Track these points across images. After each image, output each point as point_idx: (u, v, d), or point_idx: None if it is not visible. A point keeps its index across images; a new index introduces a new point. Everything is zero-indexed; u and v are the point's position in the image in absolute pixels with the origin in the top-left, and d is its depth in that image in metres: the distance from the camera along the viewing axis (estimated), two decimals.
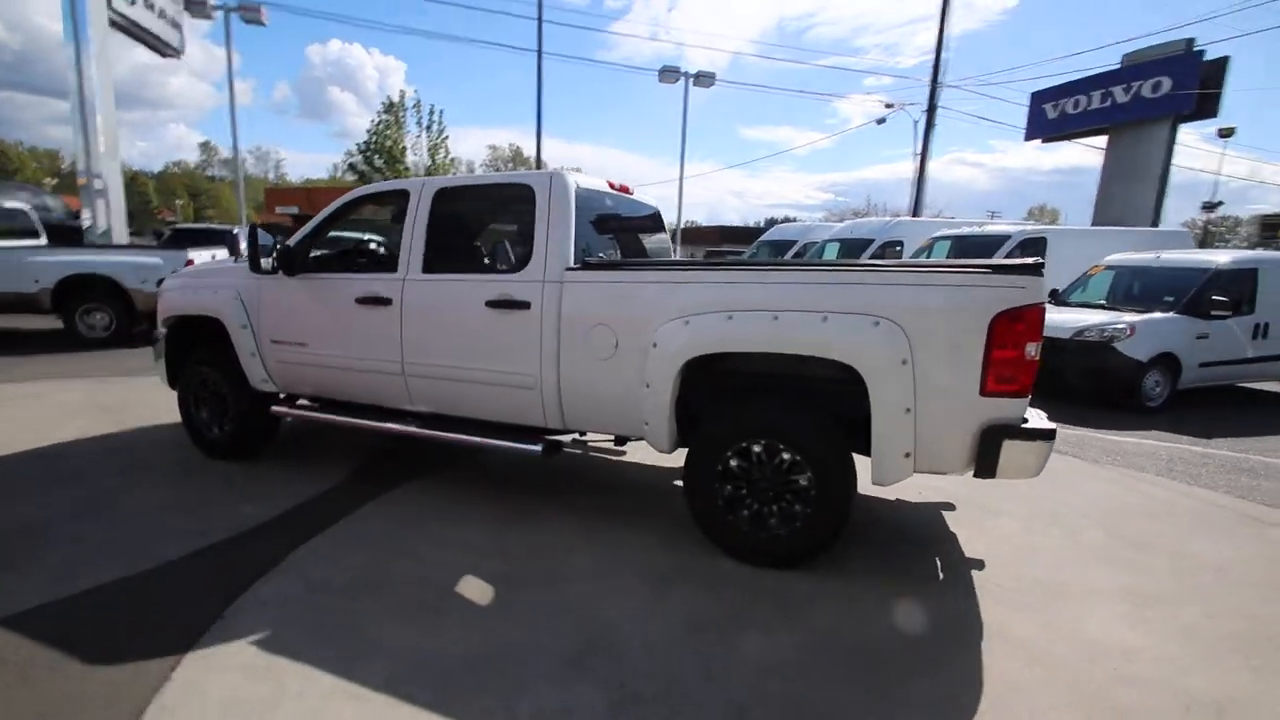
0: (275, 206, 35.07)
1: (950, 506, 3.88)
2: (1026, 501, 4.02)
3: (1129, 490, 4.34)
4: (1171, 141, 19.21)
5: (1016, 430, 2.60)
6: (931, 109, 23.22)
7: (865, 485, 2.94)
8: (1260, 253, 7.99)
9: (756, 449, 2.99)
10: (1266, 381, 7.65)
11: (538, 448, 3.42)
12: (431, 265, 3.63)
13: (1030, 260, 2.61)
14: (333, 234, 4.57)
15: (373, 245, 4.59)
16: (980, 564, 3.16)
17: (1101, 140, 21.70)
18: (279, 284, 4.04)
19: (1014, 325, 2.53)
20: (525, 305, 3.31)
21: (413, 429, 3.75)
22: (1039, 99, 23.09)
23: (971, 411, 2.62)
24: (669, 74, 18.84)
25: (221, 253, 10.21)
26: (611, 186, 3.89)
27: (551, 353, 3.29)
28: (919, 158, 22.26)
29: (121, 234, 12.62)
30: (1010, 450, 2.60)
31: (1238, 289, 6.82)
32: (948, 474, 2.77)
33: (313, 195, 37.66)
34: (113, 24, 13.11)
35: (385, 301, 3.68)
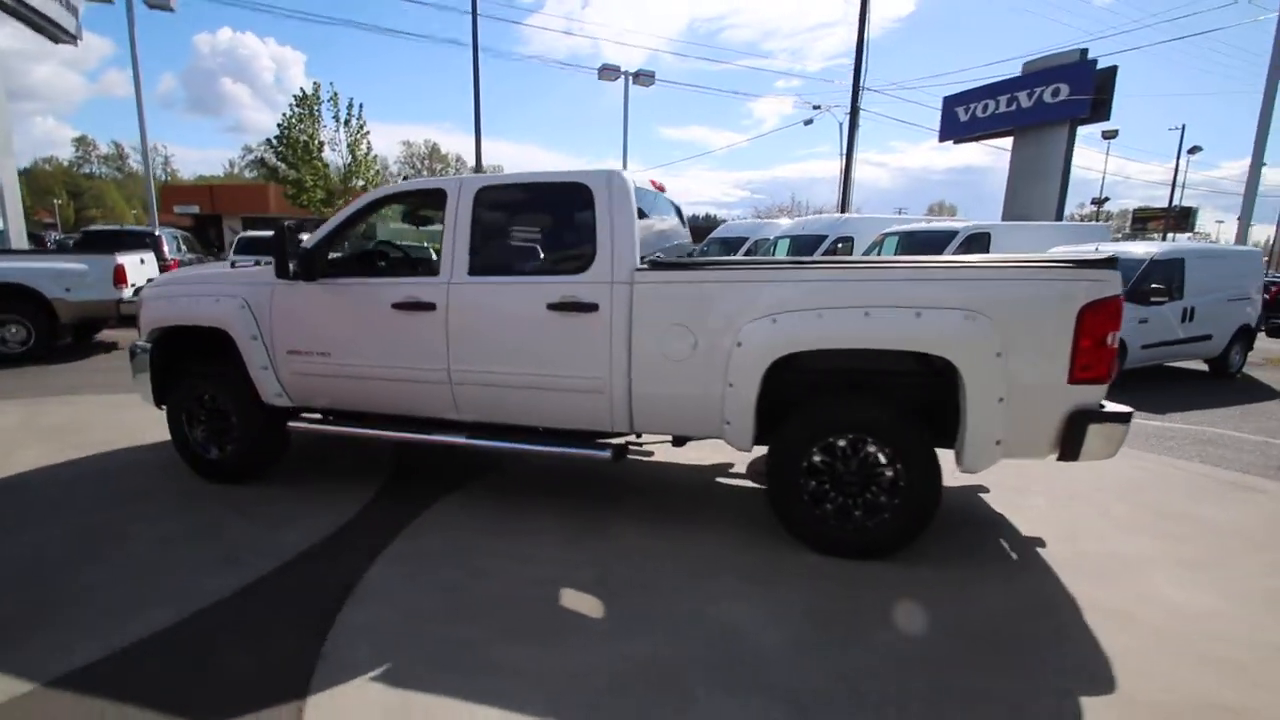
0: (173, 206, 32.28)
1: (985, 489, 4.08)
2: (1043, 481, 4.28)
3: (1127, 464, 4.72)
4: (1071, 142, 20.98)
5: (1100, 415, 2.76)
6: (854, 111, 24.37)
7: None
8: (1186, 244, 8.89)
9: (841, 443, 3.03)
10: (1190, 360, 8.52)
11: (607, 453, 3.33)
12: (478, 268, 3.44)
13: (1106, 255, 2.78)
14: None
15: (389, 249, 4.28)
16: (1041, 542, 3.34)
17: (1007, 141, 23.40)
18: (295, 291, 3.71)
19: (1098, 316, 2.69)
20: (592, 307, 3.21)
21: (462, 440, 3.56)
22: (951, 103, 24.59)
23: (1059, 399, 2.77)
24: (609, 72, 18.76)
25: (150, 256, 9.28)
26: (654, 185, 3.84)
27: (622, 355, 3.21)
28: (845, 157, 23.33)
29: (21, 237, 11.23)
30: (1095, 434, 2.76)
31: (1170, 277, 7.56)
32: (1032, 459, 2.91)
33: (216, 193, 35.04)
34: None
35: (428, 307, 3.46)
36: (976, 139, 24.56)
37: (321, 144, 28.16)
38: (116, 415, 5.59)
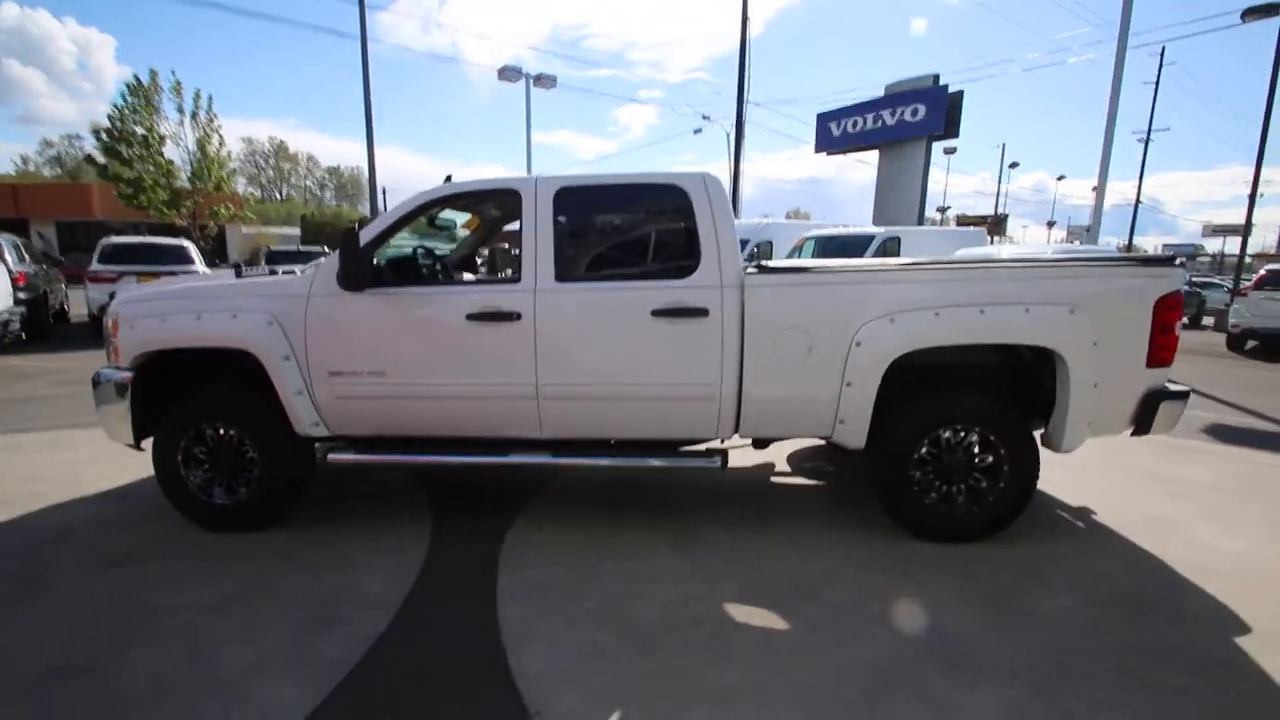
0: None
1: None
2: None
3: None
4: (928, 156, 23.52)
5: (1169, 394, 3.14)
6: (740, 123, 25.73)
7: None
8: (1069, 246, 10.26)
9: (947, 435, 3.19)
10: None
11: (716, 462, 3.25)
12: (567, 274, 3.22)
13: (1168, 254, 3.17)
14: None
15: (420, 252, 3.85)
16: (1090, 511, 3.73)
17: (873, 155, 25.79)
18: (341, 303, 3.25)
19: (1168, 306, 3.06)
20: (702, 312, 3.12)
21: (547, 458, 3.31)
22: (824, 119, 26.63)
23: (1139, 381, 3.11)
24: (510, 73, 18.21)
25: None
26: None
27: (733, 360, 3.15)
28: (734, 166, 24.63)
29: None
30: (1165, 410, 3.13)
31: None
32: (1113, 435, 3.25)
33: (20, 194, 29.54)
34: None
35: (511, 317, 3.17)
36: (847, 152, 26.78)
37: (163, 138, 24.81)
38: (26, 460, 4.56)
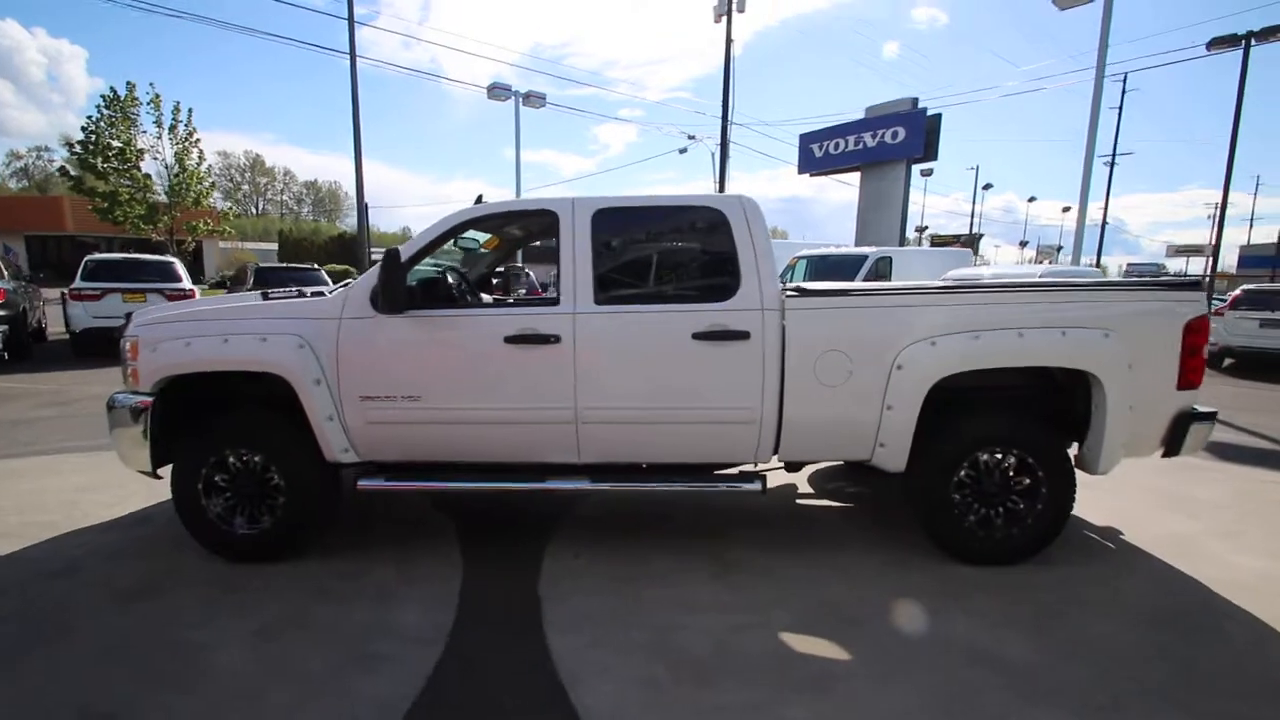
0: None
1: None
2: None
3: None
4: (908, 178, 24.05)
5: (1198, 415, 3.20)
6: (724, 143, 26.17)
7: None
8: (1056, 266, 10.52)
9: (985, 457, 3.21)
10: None
11: (757, 486, 3.24)
12: (606, 296, 3.19)
13: (1195, 277, 3.25)
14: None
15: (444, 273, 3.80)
16: (1116, 530, 3.77)
17: (853, 175, 26.29)
18: (375, 326, 3.18)
19: (1197, 330, 3.13)
20: (743, 335, 3.11)
21: (585, 485, 3.26)
22: (807, 140, 27.10)
23: (1170, 403, 3.17)
24: (499, 92, 18.26)
25: None
26: None
27: (774, 383, 3.14)
28: (719, 186, 24.99)
29: None
30: (1194, 432, 3.19)
31: None
32: (1145, 457, 3.30)
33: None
34: None
35: (550, 339, 3.14)
36: (829, 173, 27.27)
37: (141, 152, 24.37)
38: (20, 488, 4.36)
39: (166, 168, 24.56)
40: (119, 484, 4.40)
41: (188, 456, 3.28)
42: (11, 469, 4.79)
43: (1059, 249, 48.21)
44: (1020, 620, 2.76)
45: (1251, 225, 55.63)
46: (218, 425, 3.27)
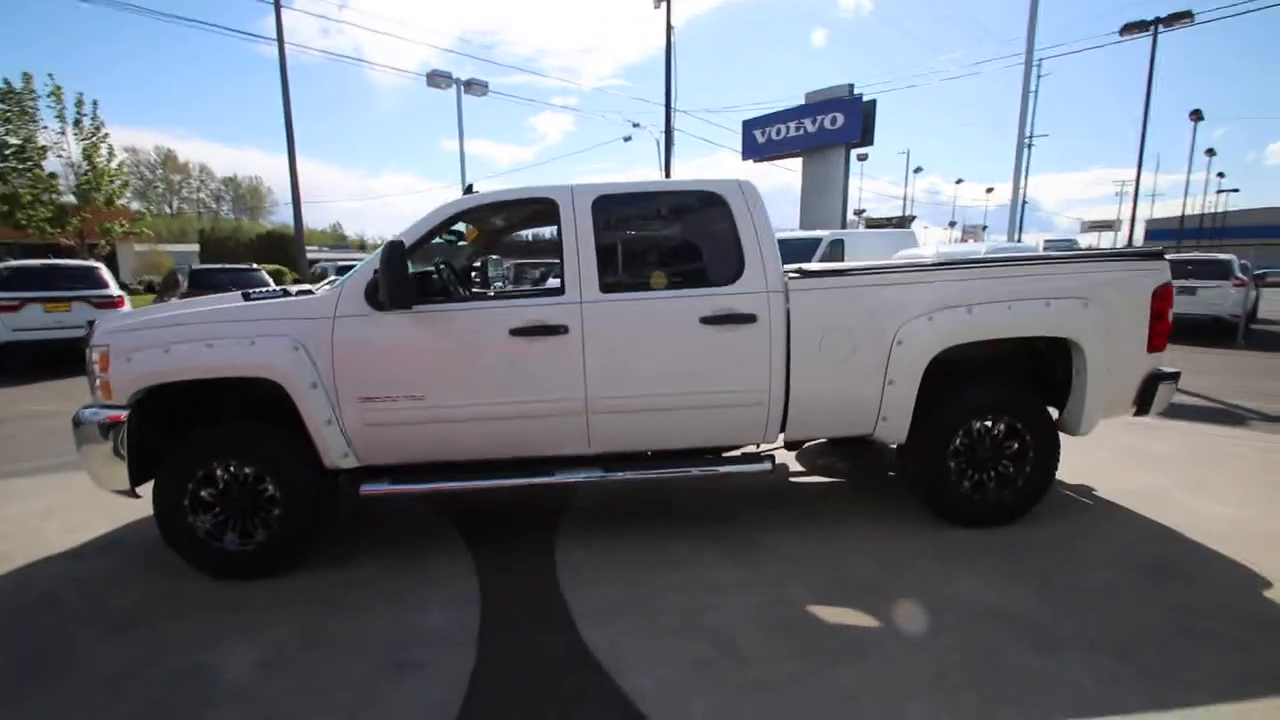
0: None
1: None
2: None
3: None
4: (848, 162, 24.72)
5: (1165, 375, 3.45)
6: (669, 131, 26.28)
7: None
8: (1003, 242, 11.04)
9: (978, 425, 3.37)
10: None
11: (768, 465, 3.30)
12: (612, 284, 3.17)
13: (1157, 249, 3.49)
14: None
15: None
16: (1090, 488, 4.03)
17: (797, 161, 26.81)
18: (372, 323, 3.06)
19: (1163, 296, 3.36)
20: (750, 318, 3.15)
21: (598, 475, 3.23)
22: (749, 126, 27.44)
23: (1141, 365, 3.41)
24: (439, 79, 17.66)
25: None
26: None
27: (781, 364, 3.20)
28: (665, 174, 25.07)
29: None
30: (1162, 391, 3.44)
31: None
32: (1120, 416, 3.52)
33: None
34: None
35: (558, 330, 3.09)
36: (772, 159, 27.71)
37: (43, 149, 22.47)
38: None
39: (73, 166, 22.74)
40: (74, 507, 4.10)
41: (171, 473, 3.07)
42: None
43: (984, 228, 50.67)
44: (1024, 577, 2.93)
45: (1154, 201, 60.15)
46: (203, 437, 3.08)
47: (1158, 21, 18.19)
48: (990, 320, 3.21)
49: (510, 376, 3.12)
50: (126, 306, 9.63)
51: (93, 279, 9.77)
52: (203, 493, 3.10)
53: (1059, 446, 3.42)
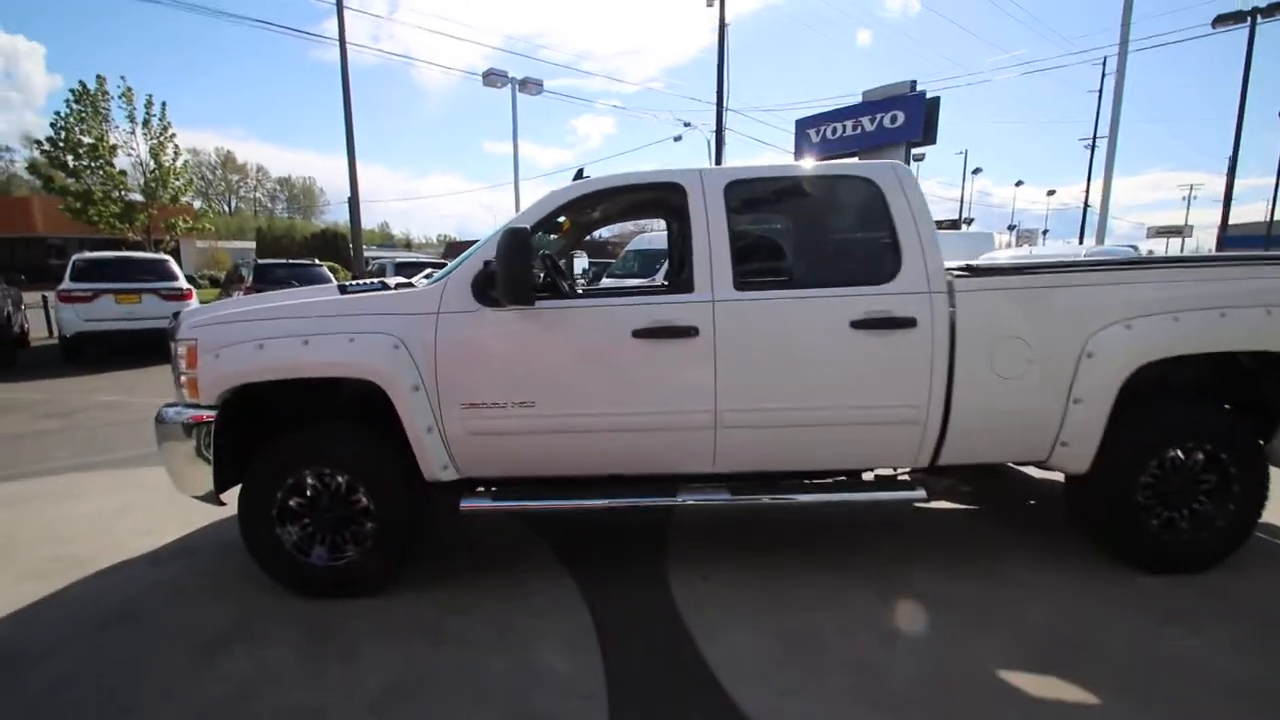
0: None
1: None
2: None
3: None
4: (908, 162, 23.81)
5: None
6: (719, 130, 25.76)
7: None
8: (1097, 246, 10.29)
9: (1173, 453, 2.86)
10: None
11: (921, 494, 2.85)
12: (748, 281, 2.77)
13: None
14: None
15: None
16: None
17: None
18: (480, 321, 2.73)
19: None
20: (909, 323, 2.71)
21: (723, 498, 2.84)
22: (803, 125, 26.67)
23: None
24: (494, 78, 17.60)
25: None
26: None
27: (942, 376, 2.75)
28: None
29: None
30: None
31: None
32: None
33: None
34: None
35: (686, 332, 2.71)
36: (827, 159, 26.94)
37: (114, 148, 23.28)
38: (42, 515, 3.83)
39: (141, 164, 23.52)
40: (148, 506, 3.92)
41: (260, 479, 2.80)
42: (26, 492, 4.25)
43: (1045, 232, 48.60)
44: (1254, 639, 2.41)
45: (1229, 207, 56.88)
46: (295, 441, 2.80)
47: (1256, 12, 16.90)
48: (1202, 330, 2.70)
49: (631, 383, 2.75)
50: (194, 299, 9.68)
51: (163, 271, 9.86)
52: (291, 502, 2.82)
53: (1268, 482, 2.88)
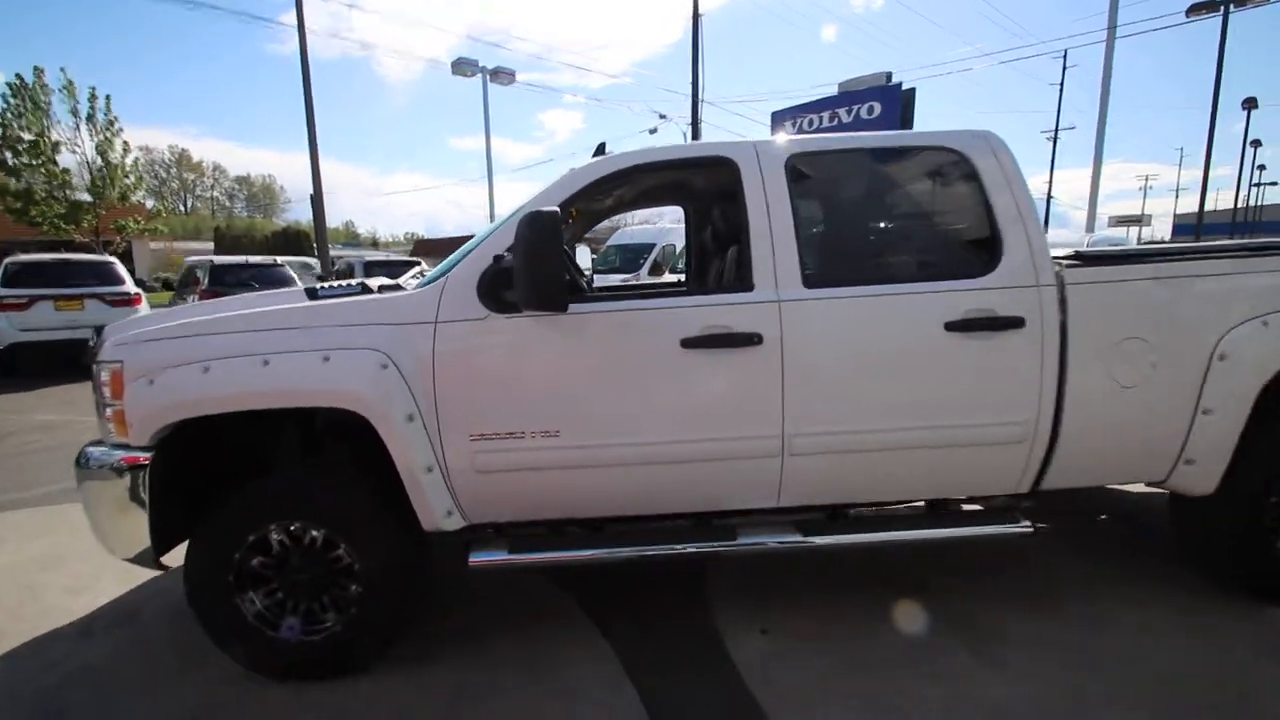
0: None
1: None
2: None
3: None
4: None
5: None
6: (695, 123, 25.34)
7: None
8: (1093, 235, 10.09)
9: None
10: None
11: (1028, 527, 2.39)
12: (819, 276, 2.27)
13: None
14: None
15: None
16: None
17: None
18: (488, 331, 2.18)
19: None
20: (1016, 323, 2.24)
21: (795, 538, 2.35)
22: (779, 118, 26.32)
23: None
24: (465, 66, 16.80)
25: None
26: None
27: (1052, 385, 2.29)
28: None
29: None
30: None
31: None
32: None
33: None
34: None
35: (749, 340, 2.20)
36: None
37: (56, 144, 21.86)
38: None
39: (87, 162, 22.14)
40: (80, 555, 3.28)
41: (212, 539, 2.21)
42: None
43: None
44: None
45: (1177, 196, 58.42)
46: (258, 490, 2.21)
47: (1229, 1, 17.01)
48: None
49: (680, 404, 2.24)
50: (144, 305, 8.86)
51: (108, 275, 9.00)
52: (254, 562, 2.24)
53: None
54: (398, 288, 2.45)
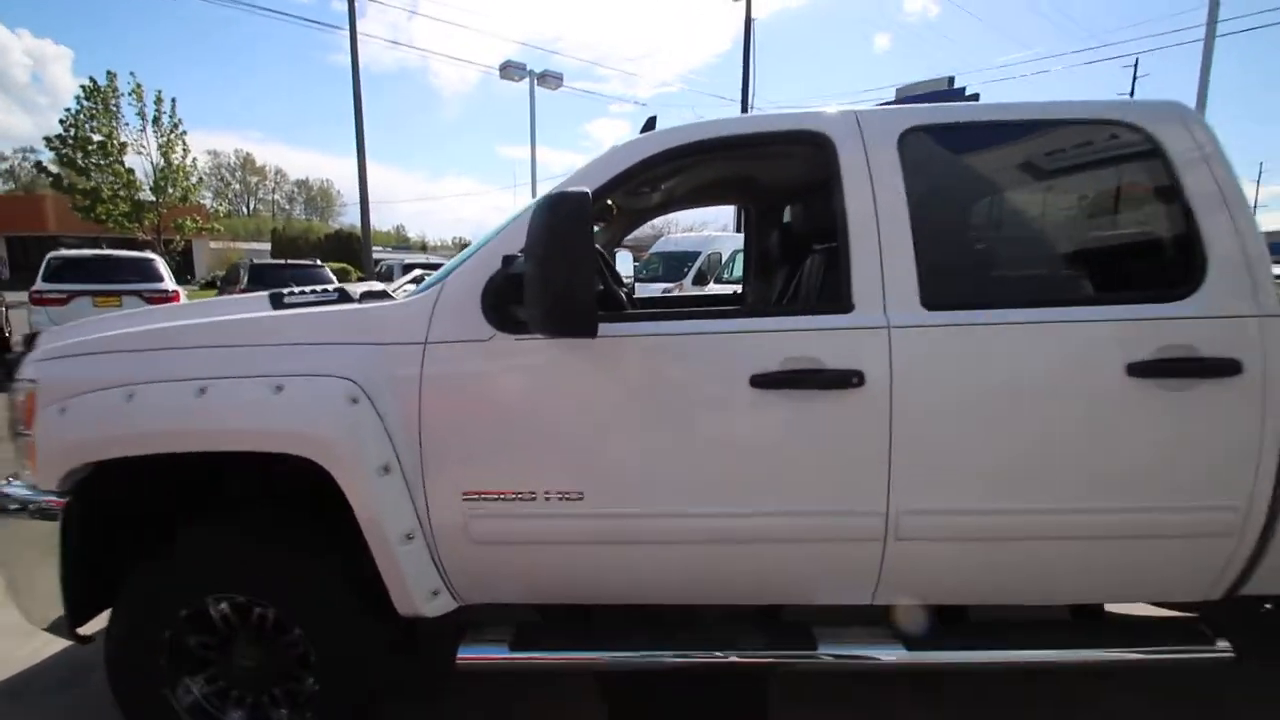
0: None
1: None
2: None
3: None
4: None
5: None
6: None
7: None
8: None
9: None
10: None
11: (1229, 652, 1.71)
12: (943, 296, 1.65)
13: None
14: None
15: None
16: None
17: None
18: (491, 356, 1.64)
19: None
20: (1230, 368, 1.58)
21: (900, 656, 1.72)
22: None
23: None
24: (513, 70, 16.59)
25: None
26: None
27: (1275, 459, 1.61)
28: None
29: None
30: None
31: None
32: None
33: None
34: None
35: (844, 380, 1.59)
36: None
37: (123, 145, 22.72)
38: None
39: (152, 163, 22.94)
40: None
41: (138, 610, 1.72)
42: None
43: None
44: None
45: (1256, 211, 54.50)
46: (190, 552, 1.72)
47: None
48: None
49: (746, 464, 1.64)
50: (183, 302, 8.74)
51: (147, 271, 8.90)
52: (191, 640, 1.75)
53: None
54: (385, 295, 1.93)
